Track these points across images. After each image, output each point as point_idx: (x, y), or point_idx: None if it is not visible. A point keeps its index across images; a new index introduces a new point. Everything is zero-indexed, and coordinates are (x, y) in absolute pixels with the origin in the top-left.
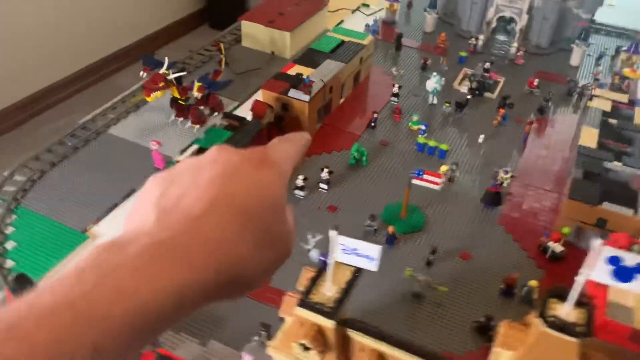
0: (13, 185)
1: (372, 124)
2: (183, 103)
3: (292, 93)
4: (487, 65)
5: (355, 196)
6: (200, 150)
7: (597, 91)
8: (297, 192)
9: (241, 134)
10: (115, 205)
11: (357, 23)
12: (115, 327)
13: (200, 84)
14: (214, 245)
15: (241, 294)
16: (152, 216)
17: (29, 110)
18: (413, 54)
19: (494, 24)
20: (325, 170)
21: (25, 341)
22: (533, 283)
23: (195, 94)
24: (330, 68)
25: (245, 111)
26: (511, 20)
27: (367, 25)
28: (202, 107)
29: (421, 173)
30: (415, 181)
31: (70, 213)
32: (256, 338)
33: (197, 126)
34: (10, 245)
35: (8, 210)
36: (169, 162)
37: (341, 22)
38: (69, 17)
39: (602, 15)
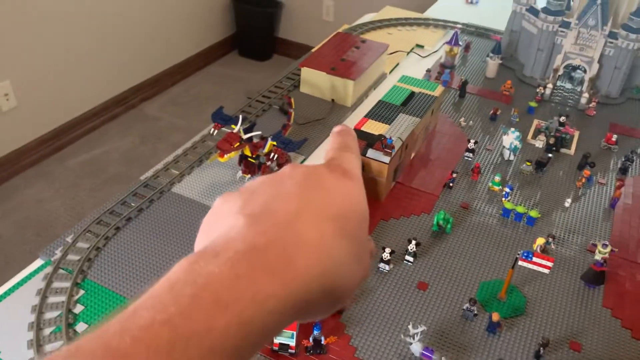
0: (77, 254)
1: (450, 184)
2: (253, 161)
3: (371, 154)
4: (563, 118)
5: (444, 271)
6: None
7: None
8: (382, 265)
9: None
10: None
11: (413, 66)
12: (216, 344)
13: (274, 143)
14: (314, 248)
15: (332, 309)
16: (241, 222)
17: (56, 143)
18: (477, 101)
19: (561, 72)
20: (413, 242)
21: None
22: None
23: (272, 155)
24: (405, 124)
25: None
26: (577, 67)
27: (428, 71)
28: (269, 163)
29: (531, 256)
30: (522, 263)
31: (138, 284)
32: None
33: None
34: (80, 327)
35: (74, 284)
36: None
37: (397, 65)
38: (99, 44)
39: None
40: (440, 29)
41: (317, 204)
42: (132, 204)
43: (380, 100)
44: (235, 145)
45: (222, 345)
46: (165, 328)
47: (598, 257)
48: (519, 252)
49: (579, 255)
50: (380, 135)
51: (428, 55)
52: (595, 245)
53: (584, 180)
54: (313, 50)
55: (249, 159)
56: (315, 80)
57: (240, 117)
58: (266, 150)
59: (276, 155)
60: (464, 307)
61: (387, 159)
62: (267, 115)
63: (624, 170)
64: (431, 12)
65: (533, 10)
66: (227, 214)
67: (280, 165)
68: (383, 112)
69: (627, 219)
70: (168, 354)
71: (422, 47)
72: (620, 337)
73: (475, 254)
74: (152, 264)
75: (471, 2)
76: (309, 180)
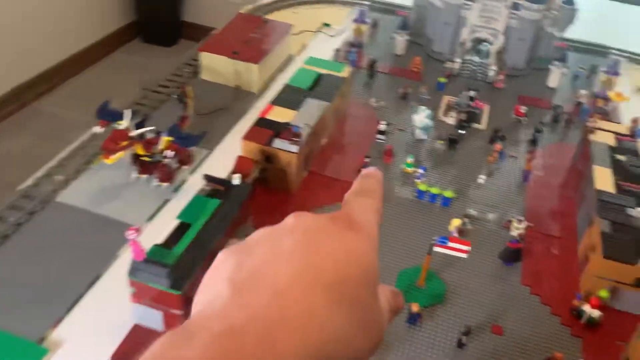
0: None
1: (362, 169)
2: (149, 159)
3: (278, 144)
4: (473, 93)
5: None
6: (183, 226)
7: (600, 123)
8: None
9: (230, 201)
10: (80, 298)
11: (322, 47)
12: None
13: (170, 138)
14: (300, 324)
15: None
16: (226, 292)
17: None
18: (387, 80)
19: (468, 46)
20: None
21: None
22: None
23: (167, 152)
24: (313, 109)
25: (217, 161)
26: (483, 40)
27: (337, 51)
28: (167, 161)
29: (446, 241)
30: (437, 249)
31: (21, 316)
32: None
33: (166, 184)
34: None
35: None
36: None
37: (304, 46)
38: None
39: (572, 32)
40: (347, 6)
41: (312, 268)
42: (9, 219)
43: (286, 85)
44: (122, 144)
45: None
46: None
47: (514, 233)
48: (434, 238)
49: (496, 233)
50: (287, 124)
51: (336, 35)
52: (510, 222)
53: (495, 155)
54: (213, 33)
55: (143, 157)
56: (216, 66)
57: (127, 111)
58: (161, 147)
59: (174, 153)
60: None
61: (295, 149)
62: (165, 107)
63: (534, 142)
64: None
65: None
66: (219, 277)
67: (182, 162)
68: (289, 97)
69: (539, 192)
70: None
71: (328, 25)
72: (540, 314)
73: (392, 241)
74: (37, 290)
75: None
76: (309, 236)
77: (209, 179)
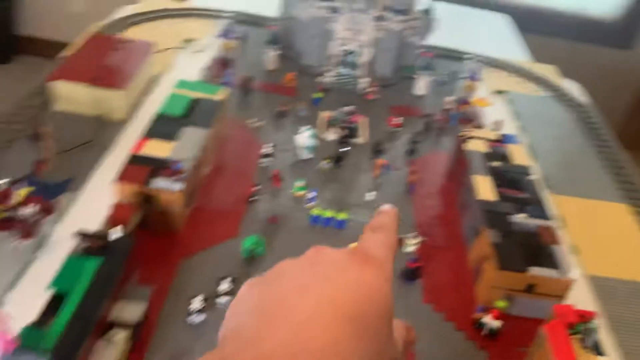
0: None
1: (253, 198)
2: (4, 214)
3: (159, 183)
4: (350, 108)
5: None
6: (58, 297)
7: (473, 131)
8: (191, 318)
9: (111, 259)
10: None
11: (188, 65)
12: None
13: (30, 189)
14: (325, 355)
15: None
16: (254, 322)
17: None
18: (262, 98)
19: (337, 58)
20: (227, 279)
21: None
22: None
23: (27, 206)
24: (192, 139)
25: (86, 206)
26: (352, 52)
27: (206, 69)
28: (27, 212)
29: None
30: None
31: None
32: None
33: (27, 241)
34: None
35: None
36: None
37: (169, 66)
38: None
39: (433, 39)
40: (209, 19)
41: (333, 301)
42: None
43: (158, 114)
44: None
45: None
46: None
47: (410, 249)
48: None
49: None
50: (166, 159)
51: (201, 51)
52: (403, 239)
53: (379, 169)
54: (64, 55)
55: None
56: (73, 95)
57: None
58: (17, 201)
59: (37, 205)
60: None
61: (178, 187)
62: (15, 147)
63: (411, 152)
64: (195, 1)
65: None
66: (245, 308)
67: (43, 211)
68: (164, 127)
69: (425, 203)
70: None
71: (192, 41)
72: (446, 331)
73: None
74: None
75: None
76: (329, 270)
77: (84, 235)
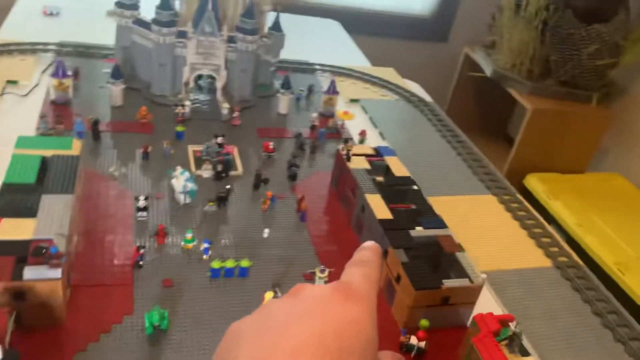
0: None
1: (140, 262)
2: None
3: (32, 273)
4: (220, 139)
5: None
6: None
7: (353, 148)
8: None
9: None
10: None
11: (17, 113)
12: None
13: None
14: None
15: None
16: (246, 357)
17: None
18: (116, 140)
19: (192, 84)
20: None
21: None
22: None
23: None
24: (57, 209)
25: None
26: (207, 76)
27: (42, 117)
28: None
29: None
30: None
31: None
32: None
33: None
34: None
35: None
36: None
37: None
38: None
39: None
40: (28, 54)
41: (318, 336)
42: None
43: (4, 184)
44: None
45: None
46: None
47: (319, 282)
48: None
49: None
50: (33, 241)
51: (28, 93)
52: (313, 273)
53: (268, 202)
54: None
55: None
56: None
57: None
58: None
59: None
60: None
61: (57, 274)
62: None
63: (293, 177)
64: (5, 33)
65: (143, 23)
66: (234, 345)
67: None
68: (16, 200)
69: (318, 228)
70: None
71: (15, 82)
72: None
73: (209, 343)
74: None
75: (51, 14)
76: (312, 306)
77: None
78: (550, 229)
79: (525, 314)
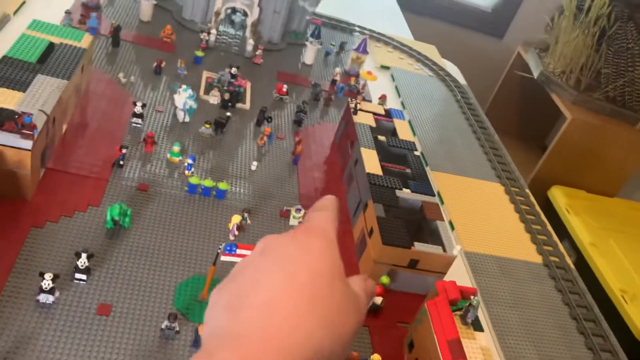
0: None
1: (121, 162)
2: None
3: (2, 138)
4: (234, 70)
5: (130, 282)
6: None
7: (361, 104)
8: (42, 296)
9: None
10: None
11: (47, 6)
12: None
13: None
14: (290, 323)
15: None
16: (224, 319)
17: None
18: (135, 50)
19: (222, 15)
20: (84, 255)
21: None
22: (375, 357)
23: None
24: (47, 89)
25: None
26: (237, 10)
27: (67, 12)
28: None
29: (234, 249)
30: (225, 258)
31: None
32: None
33: None
34: None
35: None
36: None
37: (23, 3)
38: None
39: (322, 8)
40: None
41: (287, 278)
42: None
43: (4, 57)
44: None
45: None
46: None
47: (294, 222)
48: (220, 246)
49: (276, 224)
50: (13, 112)
51: None
52: (288, 211)
53: (265, 138)
54: None
55: None
56: None
57: None
58: None
59: None
60: (163, 327)
61: (28, 144)
62: None
63: (299, 123)
64: None
65: None
66: (216, 310)
67: None
68: (12, 73)
69: (310, 175)
70: None
71: None
72: None
73: (166, 250)
74: None
75: None
76: (277, 252)
77: None
78: (550, 229)
79: (495, 297)
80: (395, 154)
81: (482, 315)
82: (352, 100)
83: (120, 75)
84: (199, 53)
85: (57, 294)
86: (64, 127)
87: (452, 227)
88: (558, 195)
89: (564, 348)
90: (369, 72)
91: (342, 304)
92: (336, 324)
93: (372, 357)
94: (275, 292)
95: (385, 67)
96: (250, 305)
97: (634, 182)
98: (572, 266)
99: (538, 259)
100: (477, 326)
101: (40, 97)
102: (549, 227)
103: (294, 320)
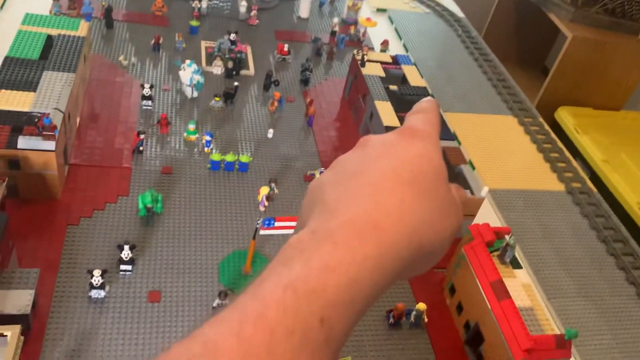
0: None
1: (140, 148)
2: None
3: (26, 143)
4: (233, 36)
5: (174, 266)
6: None
7: (369, 54)
8: (94, 292)
9: None
10: None
11: None
12: (332, 298)
13: None
14: (396, 213)
15: (430, 262)
16: (331, 204)
17: None
18: (129, 29)
19: None
20: (126, 247)
21: (261, 321)
22: (421, 306)
23: None
24: (57, 85)
25: None
26: None
27: (56, 0)
28: None
29: (273, 222)
30: (264, 231)
31: None
32: None
33: None
34: None
35: None
36: None
37: None
38: None
39: None
40: None
41: (393, 171)
42: None
43: (7, 58)
44: None
45: (336, 300)
46: (288, 290)
47: None
48: (258, 221)
49: (301, 189)
50: (32, 116)
51: None
52: (312, 175)
53: (275, 103)
54: None
55: None
56: None
57: None
58: None
59: None
60: (215, 305)
61: (51, 145)
62: None
63: (305, 82)
64: None
65: None
66: (319, 198)
67: None
68: (17, 74)
69: (325, 134)
70: (293, 309)
71: None
72: None
73: (201, 230)
74: None
75: None
76: (381, 149)
77: None
78: (568, 155)
79: (525, 232)
80: (408, 101)
81: (516, 252)
82: (357, 52)
83: (121, 58)
84: (194, 23)
85: (107, 288)
86: (77, 120)
87: (473, 167)
88: (565, 116)
89: (597, 272)
90: (368, 19)
91: (445, 204)
92: (437, 223)
93: (417, 306)
94: (380, 182)
95: (381, 10)
96: (355, 192)
97: (638, 92)
98: (595, 189)
99: (560, 187)
100: (515, 264)
101: (52, 94)
102: (567, 153)
103: (398, 214)
